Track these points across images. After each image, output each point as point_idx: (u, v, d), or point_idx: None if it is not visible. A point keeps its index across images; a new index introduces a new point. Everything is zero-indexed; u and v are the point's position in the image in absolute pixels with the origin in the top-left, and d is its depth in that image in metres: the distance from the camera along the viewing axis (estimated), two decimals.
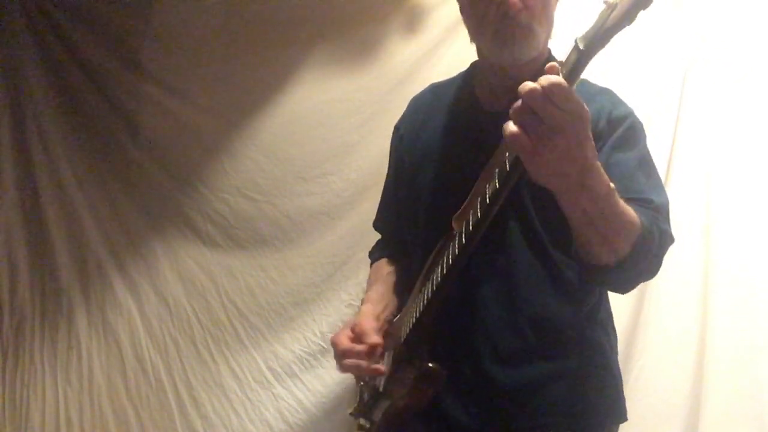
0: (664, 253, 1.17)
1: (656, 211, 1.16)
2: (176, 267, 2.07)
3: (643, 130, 1.25)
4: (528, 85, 0.88)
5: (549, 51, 1.27)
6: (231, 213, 2.06)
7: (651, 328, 1.77)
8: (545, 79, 0.87)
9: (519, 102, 0.90)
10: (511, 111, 0.91)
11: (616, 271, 1.09)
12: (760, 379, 1.67)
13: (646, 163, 1.22)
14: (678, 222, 1.71)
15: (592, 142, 0.95)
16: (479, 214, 1.09)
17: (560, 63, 0.93)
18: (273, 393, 1.99)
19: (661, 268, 1.72)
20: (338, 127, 2.03)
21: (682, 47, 1.79)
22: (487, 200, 1.07)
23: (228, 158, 2.07)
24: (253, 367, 2.01)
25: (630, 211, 1.06)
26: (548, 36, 1.23)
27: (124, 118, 2.10)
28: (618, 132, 1.18)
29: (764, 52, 1.73)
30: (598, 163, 0.98)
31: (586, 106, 0.91)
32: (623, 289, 1.21)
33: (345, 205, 2.00)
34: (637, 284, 1.21)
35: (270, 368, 2.00)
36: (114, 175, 2.10)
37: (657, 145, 1.76)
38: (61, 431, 2.00)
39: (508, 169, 1.02)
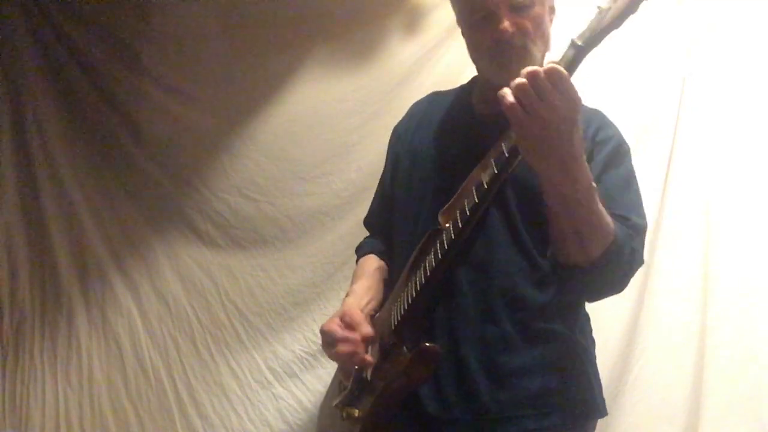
0: (632, 273, 1.22)
1: (633, 230, 1.20)
2: (176, 267, 2.07)
3: (629, 152, 1.30)
4: (530, 67, 1.00)
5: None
6: (231, 213, 2.06)
7: (651, 328, 1.77)
8: (547, 65, 0.99)
9: (520, 79, 1.00)
10: (512, 84, 1.01)
11: (585, 274, 1.15)
12: (760, 380, 1.67)
13: (630, 184, 1.27)
14: (678, 223, 1.74)
15: (580, 132, 1.03)
16: (476, 198, 1.14)
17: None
18: (273, 393, 1.99)
19: (662, 269, 1.75)
20: (338, 127, 2.03)
21: (682, 47, 1.79)
22: (485, 185, 1.12)
23: (228, 158, 2.07)
24: (253, 367, 2.01)
25: (607, 216, 1.12)
26: (545, 51, 1.27)
27: (124, 118, 2.10)
28: (603, 152, 1.24)
29: (764, 52, 1.73)
30: (583, 156, 1.05)
31: (579, 95, 1.01)
32: (591, 295, 1.26)
33: (345, 205, 2.00)
34: (604, 296, 1.25)
35: (270, 368, 2.00)
36: (114, 175, 2.09)
37: (657, 146, 1.77)
38: (60, 431, 2.00)
39: (506, 155, 1.09)
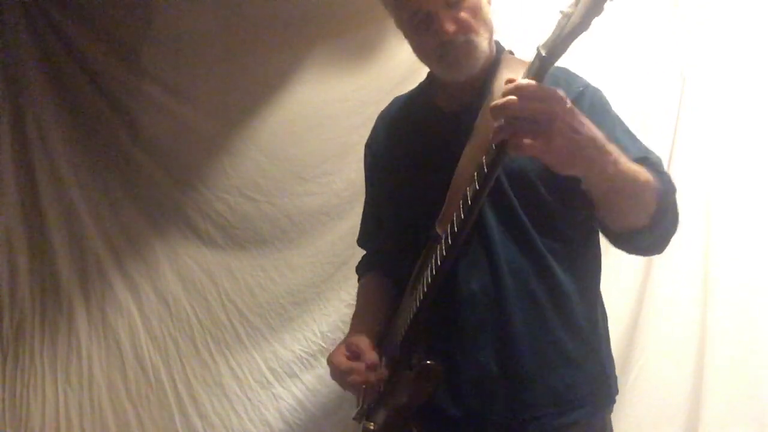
0: (676, 201, 1.21)
1: (657, 165, 1.20)
2: (176, 267, 2.07)
3: (604, 96, 1.29)
4: (499, 102, 0.95)
5: (496, 45, 1.32)
6: (231, 213, 2.06)
7: (651, 328, 1.77)
8: (515, 86, 0.95)
9: (502, 118, 0.96)
10: (496, 128, 0.97)
11: (651, 231, 1.15)
12: (760, 379, 1.67)
13: (622, 127, 1.26)
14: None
15: (580, 112, 1.01)
16: (462, 215, 1.13)
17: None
18: (273, 393, 1.99)
19: (662, 269, 1.74)
20: (338, 127, 2.03)
21: (682, 47, 1.79)
22: (469, 201, 1.11)
23: (228, 158, 2.07)
24: (253, 367, 2.01)
25: (640, 167, 1.11)
26: (490, 37, 1.27)
27: (124, 118, 2.10)
28: (584, 109, 1.18)
29: (764, 52, 1.73)
30: (595, 128, 1.03)
31: (554, 88, 0.98)
32: (660, 247, 1.24)
33: (345, 205, 2.00)
34: (668, 241, 1.23)
35: (270, 368, 2.00)
36: (114, 175, 2.09)
37: (657, 146, 1.75)
38: (61, 431, 2.00)
39: (486, 170, 1.07)
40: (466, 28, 1.21)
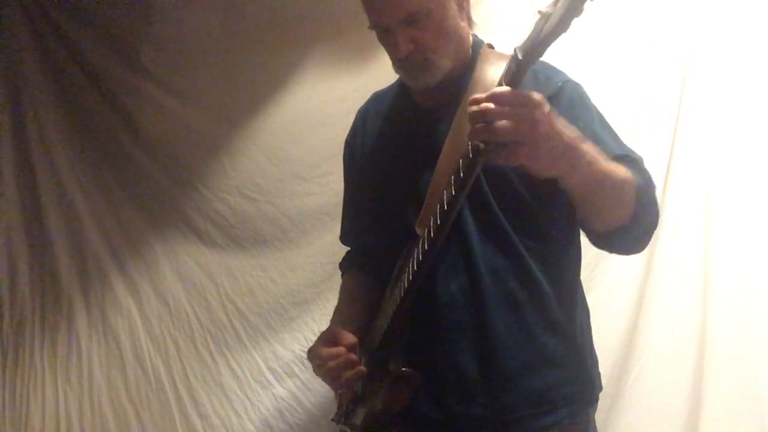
0: (656, 199, 1.20)
1: (638, 163, 1.19)
2: (176, 267, 2.07)
3: (584, 91, 1.27)
4: (475, 109, 0.93)
5: (473, 39, 1.31)
6: (231, 213, 2.06)
7: (651, 328, 1.77)
8: (490, 95, 0.93)
9: (486, 125, 0.93)
10: (471, 134, 0.95)
11: (631, 229, 1.14)
12: (760, 379, 1.67)
13: (603, 123, 1.24)
14: (678, 222, 1.74)
15: (556, 110, 0.99)
16: (439, 220, 1.12)
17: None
18: (273, 393, 1.99)
19: (661, 268, 1.74)
20: (338, 127, 2.01)
21: (682, 47, 1.79)
22: (445, 206, 1.10)
23: (228, 158, 2.07)
24: (253, 367, 2.01)
25: (620, 165, 1.10)
26: (458, 47, 1.26)
27: (124, 118, 2.10)
28: (563, 105, 1.19)
29: (764, 52, 1.73)
30: (571, 127, 1.02)
31: (532, 92, 0.96)
32: (640, 246, 1.23)
33: None
34: (650, 238, 1.23)
35: (270, 368, 2.00)
36: (114, 175, 2.09)
37: (657, 145, 1.77)
38: (60, 431, 2.00)
39: (462, 175, 1.06)
40: (422, 48, 1.20)
